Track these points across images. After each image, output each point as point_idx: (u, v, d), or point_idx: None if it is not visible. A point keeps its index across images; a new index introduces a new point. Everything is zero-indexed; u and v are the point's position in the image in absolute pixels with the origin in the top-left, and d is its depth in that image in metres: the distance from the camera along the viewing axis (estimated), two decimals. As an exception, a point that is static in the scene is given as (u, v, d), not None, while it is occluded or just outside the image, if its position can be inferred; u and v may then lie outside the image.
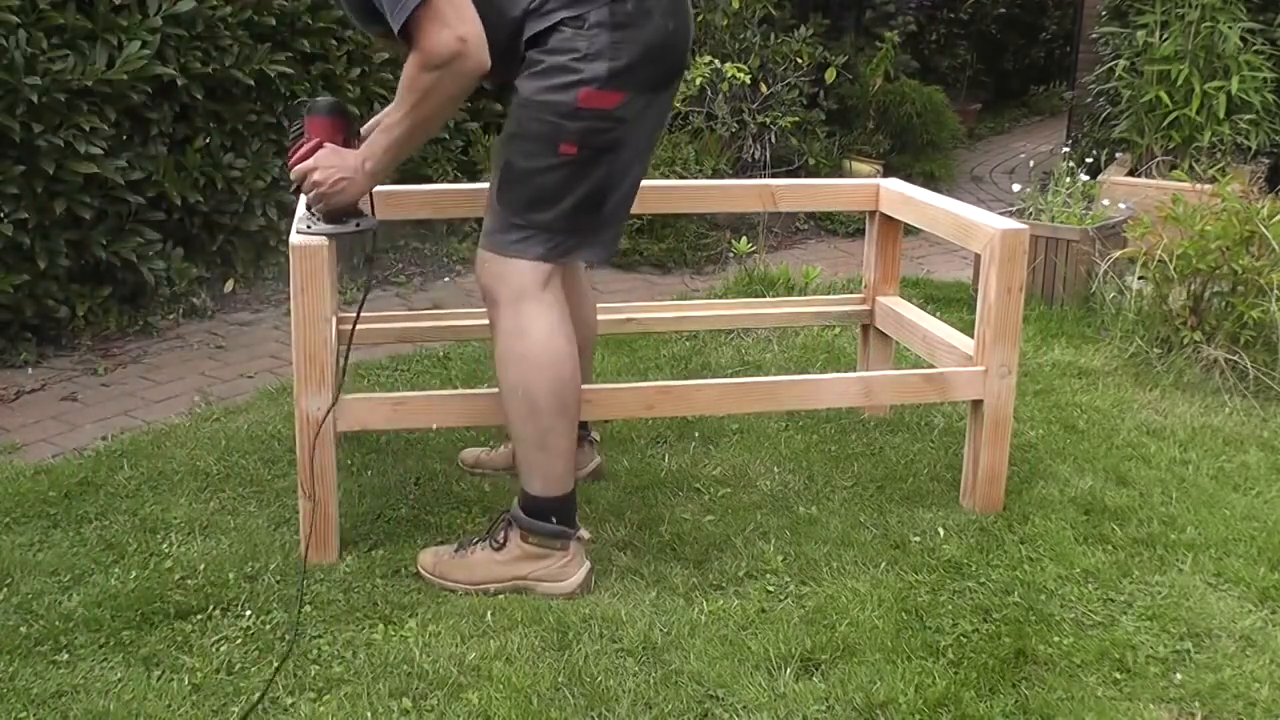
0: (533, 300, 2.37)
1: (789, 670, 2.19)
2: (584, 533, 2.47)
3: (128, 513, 2.74)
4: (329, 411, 2.46)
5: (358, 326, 2.61)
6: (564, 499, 2.44)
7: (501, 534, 2.46)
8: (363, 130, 2.53)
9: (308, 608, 2.37)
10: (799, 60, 5.78)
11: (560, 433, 2.39)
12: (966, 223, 2.83)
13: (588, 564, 2.47)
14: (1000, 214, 3.07)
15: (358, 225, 2.42)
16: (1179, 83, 5.16)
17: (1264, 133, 5.18)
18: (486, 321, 3.20)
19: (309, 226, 2.41)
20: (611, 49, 2.29)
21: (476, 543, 2.49)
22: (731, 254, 5.03)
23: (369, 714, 2.06)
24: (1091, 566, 2.58)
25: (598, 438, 2.97)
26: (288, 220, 4.06)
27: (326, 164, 2.34)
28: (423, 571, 2.50)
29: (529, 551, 2.44)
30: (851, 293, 3.64)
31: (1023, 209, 4.57)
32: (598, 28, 2.28)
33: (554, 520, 2.43)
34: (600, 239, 2.45)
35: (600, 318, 3.22)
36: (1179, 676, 2.22)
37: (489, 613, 2.36)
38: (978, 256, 2.98)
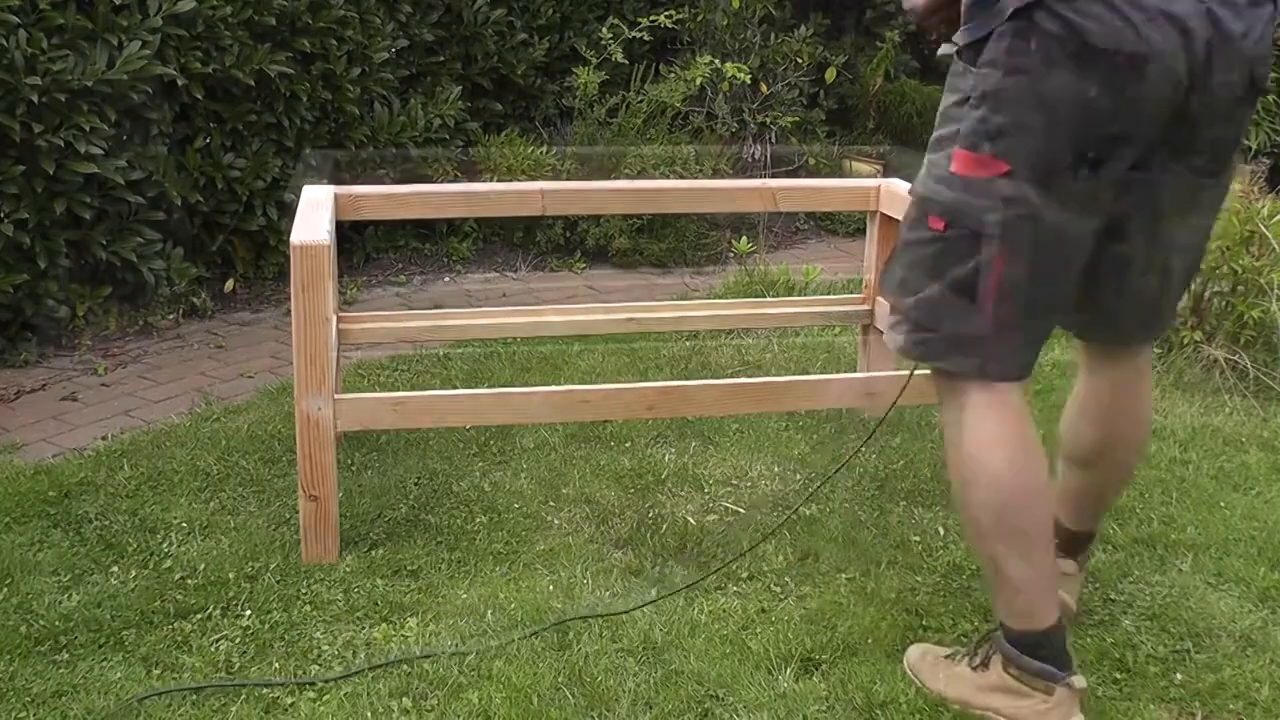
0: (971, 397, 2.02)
1: (789, 670, 2.19)
2: (1077, 679, 2.02)
3: (128, 513, 2.74)
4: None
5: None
6: (1037, 635, 2.03)
7: (985, 653, 2.12)
8: None
9: (307, 608, 2.38)
10: (799, 60, 5.76)
11: (1012, 562, 2.00)
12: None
13: (1079, 717, 2.03)
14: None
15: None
16: (1179, 82, 5.15)
17: (1264, 133, 5.19)
18: (486, 321, 3.23)
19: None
20: None
21: (964, 655, 2.16)
22: (731, 254, 5.03)
23: (369, 714, 2.06)
24: (1091, 566, 2.57)
25: (1074, 570, 2.38)
26: (288, 220, 4.05)
27: None
28: (905, 662, 2.22)
29: (1008, 684, 2.06)
30: (851, 293, 3.63)
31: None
32: None
33: (1039, 657, 2.03)
34: None
35: (600, 317, 3.23)
36: (1179, 676, 2.22)
37: (489, 612, 2.35)
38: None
